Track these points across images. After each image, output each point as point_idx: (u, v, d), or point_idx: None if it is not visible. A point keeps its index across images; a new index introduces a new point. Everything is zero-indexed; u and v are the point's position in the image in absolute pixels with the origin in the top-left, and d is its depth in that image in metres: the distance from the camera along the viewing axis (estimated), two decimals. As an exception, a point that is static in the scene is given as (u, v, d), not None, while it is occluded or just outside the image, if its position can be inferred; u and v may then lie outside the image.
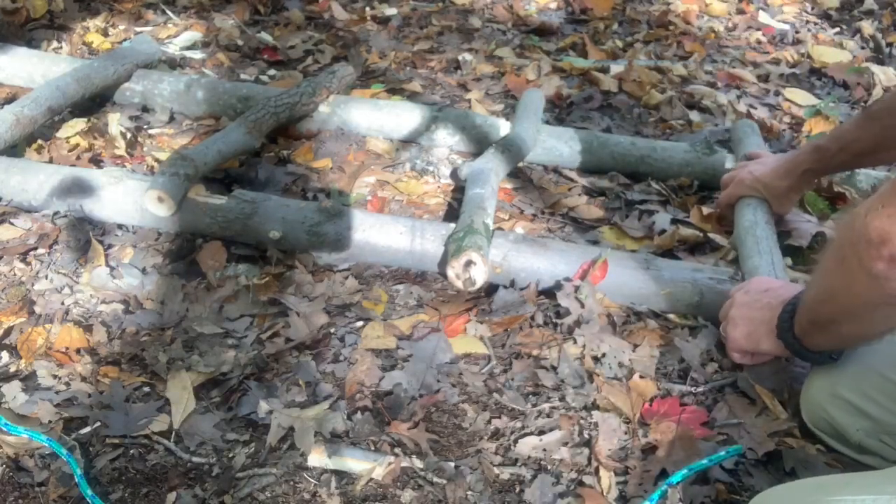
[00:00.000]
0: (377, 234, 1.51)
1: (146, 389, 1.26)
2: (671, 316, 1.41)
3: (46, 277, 1.46)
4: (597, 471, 1.12)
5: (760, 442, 1.16)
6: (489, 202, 1.55)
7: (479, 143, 1.90)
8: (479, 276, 1.40)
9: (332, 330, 1.38)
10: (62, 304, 1.41)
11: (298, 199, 1.63)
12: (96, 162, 1.81)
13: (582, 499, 1.08)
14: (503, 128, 1.90)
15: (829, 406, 1.10)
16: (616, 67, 2.39)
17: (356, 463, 1.12)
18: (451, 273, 1.41)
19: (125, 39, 2.43)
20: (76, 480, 1.08)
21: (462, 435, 1.19)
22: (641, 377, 1.28)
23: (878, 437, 1.05)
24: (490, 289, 1.46)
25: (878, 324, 0.97)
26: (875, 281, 0.86)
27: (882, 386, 1.04)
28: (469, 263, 1.39)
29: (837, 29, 2.95)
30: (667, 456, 1.13)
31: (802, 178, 1.52)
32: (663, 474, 1.12)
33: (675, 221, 1.68)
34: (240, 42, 2.51)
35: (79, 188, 1.58)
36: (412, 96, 2.21)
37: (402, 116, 1.95)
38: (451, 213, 1.70)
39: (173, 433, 1.18)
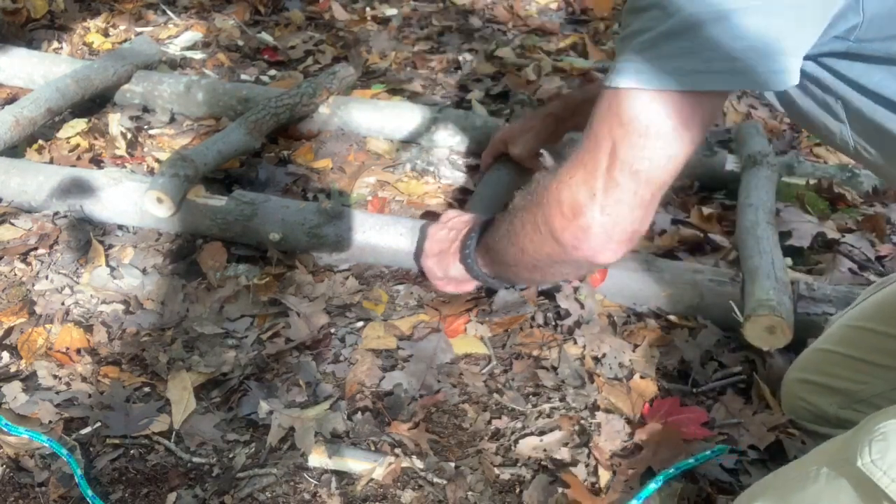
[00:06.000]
0: (378, 235, 1.50)
1: (146, 390, 1.26)
2: (671, 316, 1.41)
3: (47, 278, 1.46)
4: (596, 470, 1.13)
5: (761, 437, 1.17)
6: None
7: (480, 143, 1.90)
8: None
9: (333, 330, 1.38)
10: (62, 304, 1.41)
11: (298, 200, 1.63)
12: (96, 162, 1.81)
13: (574, 498, 1.08)
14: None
15: (802, 392, 1.17)
16: (616, 68, 2.39)
17: (356, 463, 1.12)
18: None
19: (125, 40, 2.43)
20: (76, 481, 1.08)
21: (462, 435, 1.19)
22: (642, 377, 1.28)
23: (852, 407, 1.11)
24: (490, 289, 1.46)
25: (555, 276, 1.11)
26: (562, 246, 0.97)
27: (834, 360, 1.13)
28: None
29: (838, 29, 2.94)
30: (653, 455, 1.14)
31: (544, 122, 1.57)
32: (656, 473, 1.12)
33: (675, 222, 1.68)
34: (240, 42, 2.51)
35: (79, 189, 1.58)
36: (412, 97, 2.21)
37: (402, 117, 1.95)
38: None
39: (173, 433, 1.18)
